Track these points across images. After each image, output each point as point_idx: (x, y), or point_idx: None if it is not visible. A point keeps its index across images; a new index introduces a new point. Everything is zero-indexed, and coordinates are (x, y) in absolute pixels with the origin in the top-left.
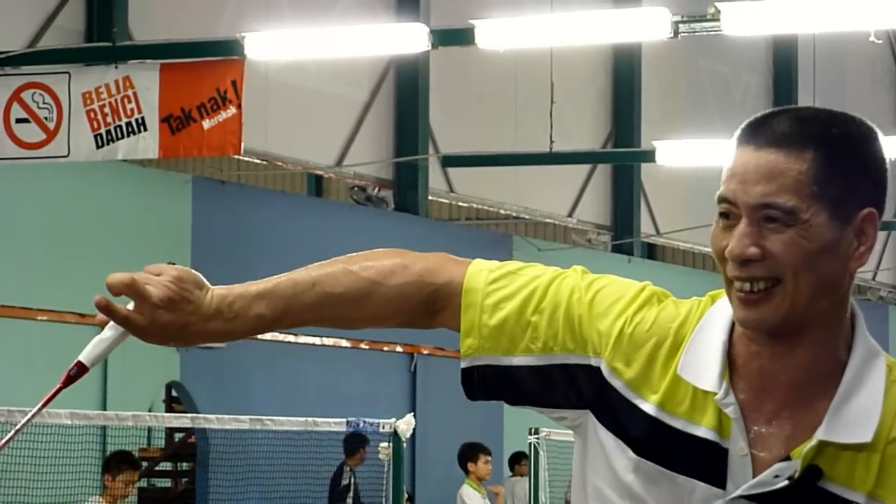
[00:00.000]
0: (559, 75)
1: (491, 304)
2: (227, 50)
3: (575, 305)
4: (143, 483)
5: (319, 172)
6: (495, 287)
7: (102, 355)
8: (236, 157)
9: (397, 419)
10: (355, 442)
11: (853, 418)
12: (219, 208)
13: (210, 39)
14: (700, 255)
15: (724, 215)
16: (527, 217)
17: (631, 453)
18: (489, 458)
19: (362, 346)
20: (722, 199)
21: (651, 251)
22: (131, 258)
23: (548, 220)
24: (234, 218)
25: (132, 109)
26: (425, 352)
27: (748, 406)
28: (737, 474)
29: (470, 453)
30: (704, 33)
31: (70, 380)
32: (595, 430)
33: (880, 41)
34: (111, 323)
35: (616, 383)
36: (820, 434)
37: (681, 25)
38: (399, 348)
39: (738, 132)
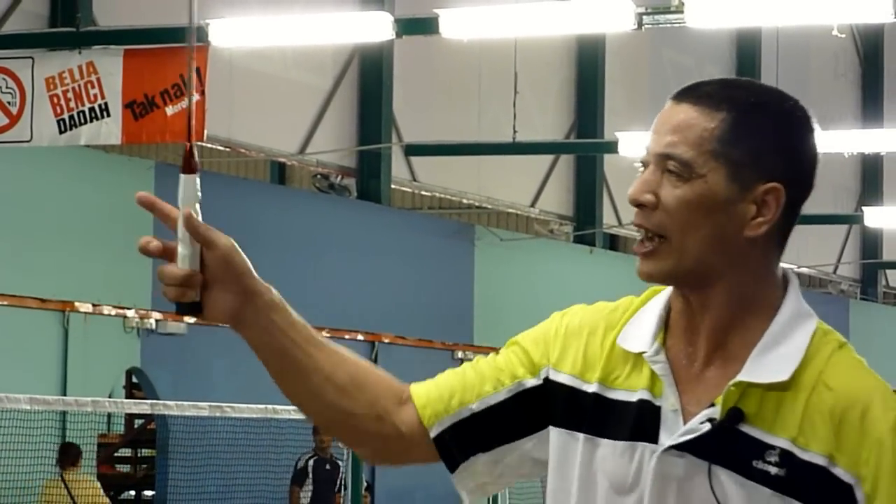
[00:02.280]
0: (523, 66)
1: (436, 382)
2: None
3: (513, 346)
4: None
5: (282, 160)
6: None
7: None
8: (199, 143)
9: None
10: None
11: (773, 363)
12: None
13: (174, 26)
14: None
15: (643, 164)
16: (489, 207)
17: (579, 435)
18: None
19: (323, 333)
20: (645, 150)
21: (613, 242)
22: (93, 244)
23: (510, 211)
24: None
25: (95, 95)
26: (386, 340)
27: (680, 364)
28: (670, 429)
29: None
30: (668, 25)
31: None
32: (553, 438)
33: (843, 35)
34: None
35: (561, 377)
36: (739, 376)
37: (644, 17)
38: (360, 336)
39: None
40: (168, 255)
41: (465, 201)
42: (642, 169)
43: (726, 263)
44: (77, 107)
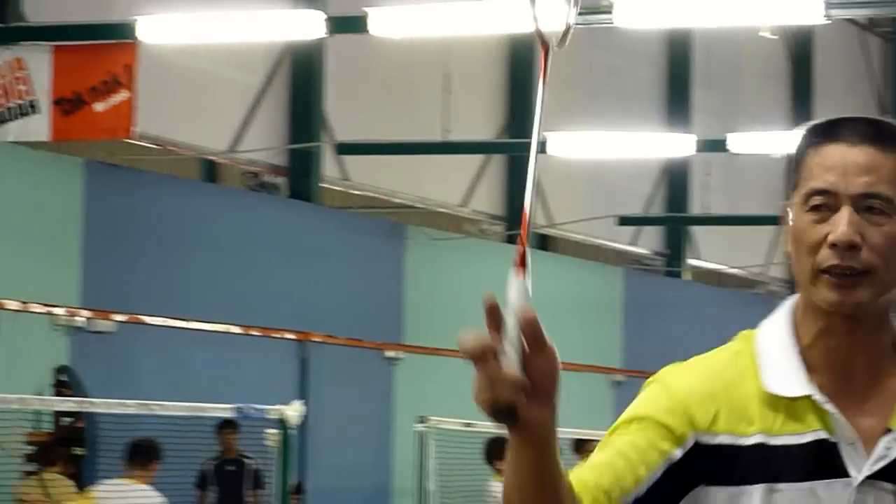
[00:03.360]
0: (455, 65)
1: (595, 482)
2: (121, 33)
3: (645, 420)
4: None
5: (213, 158)
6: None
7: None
8: (129, 140)
9: (285, 406)
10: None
11: None
12: (111, 192)
13: (103, 22)
14: (593, 246)
15: (816, 208)
16: (421, 206)
17: (751, 487)
18: None
19: (253, 332)
20: (818, 192)
21: (544, 242)
22: (22, 241)
23: (441, 210)
24: (127, 202)
25: (24, 91)
26: (316, 339)
27: (837, 398)
28: (853, 461)
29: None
30: (598, 25)
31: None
32: (715, 498)
33: (774, 37)
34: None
35: (718, 439)
36: None
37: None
38: (290, 335)
39: (813, 133)
40: (487, 356)
41: (396, 200)
42: (811, 214)
43: None
44: (5, 103)
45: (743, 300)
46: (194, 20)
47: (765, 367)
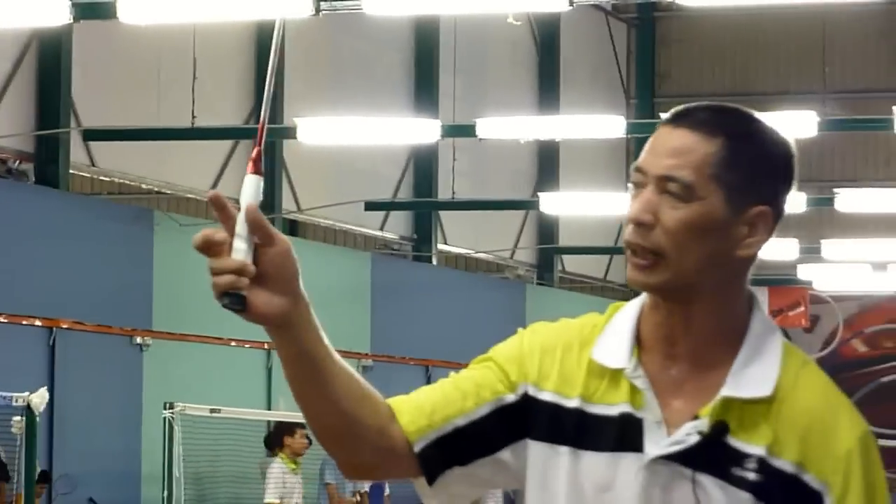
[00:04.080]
0: (202, 51)
1: (416, 398)
2: None
3: (487, 361)
4: None
5: None
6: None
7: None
8: None
9: (31, 393)
10: None
11: (753, 378)
12: None
13: None
14: (341, 231)
15: (635, 185)
16: (169, 192)
17: (562, 448)
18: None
19: (0, 319)
20: (635, 169)
21: (293, 228)
22: None
23: (190, 196)
24: None
25: None
26: (64, 325)
27: (657, 377)
28: (654, 440)
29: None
30: (346, 12)
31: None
32: (532, 452)
33: (519, 23)
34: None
35: (543, 395)
36: (724, 391)
37: (322, 3)
38: (38, 322)
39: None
40: (217, 249)
41: (144, 186)
42: (633, 191)
43: (717, 281)
44: None
45: (491, 284)
46: None
47: (601, 338)
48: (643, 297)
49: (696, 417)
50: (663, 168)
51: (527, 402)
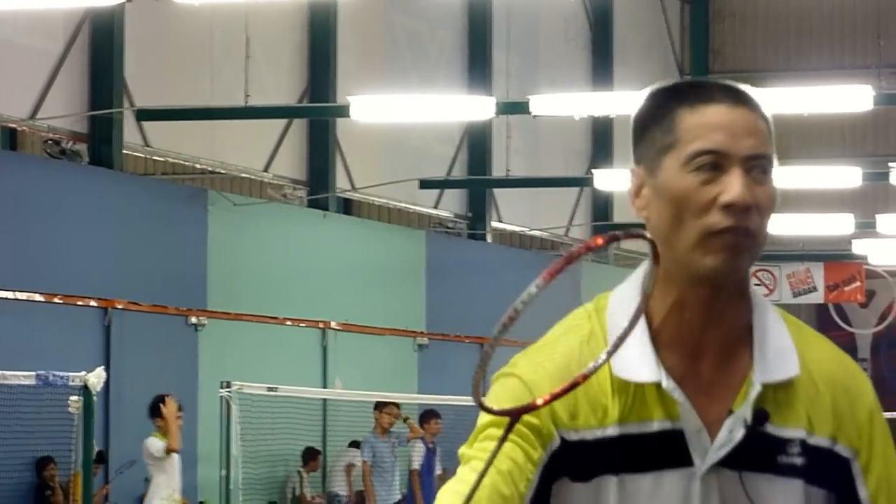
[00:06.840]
0: (255, 30)
1: None
2: None
3: (512, 436)
4: None
5: (13, 125)
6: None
7: None
8: None
9: (87, 373)
10: None
11: (777, 359)
12: None
13: None
14: (395, 209)
15: (701, 168)
16: (223, 172)
17: (609, 477)
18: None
19: (56, 300)
20: (706, 152)
21: (347, 206)
22: None
23: (244, 175)
24: None
25: None
26: (119, 306)
27: (684, 380)
28: (698, 449)
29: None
30: None
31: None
32: (579, 489)
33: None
34: None
35: (580, 435)
36: (758, 378)
37: None
38: (93, 303)
39: (671, 95)
40: None
41: (197, 166)
42: (699, 174)
43: None
44: None
45: (546, 262)
46: None
47: (617, 349)
48: (636, 293)
49: (730, 412)
50: (750, 148)
51: (563, 447)
